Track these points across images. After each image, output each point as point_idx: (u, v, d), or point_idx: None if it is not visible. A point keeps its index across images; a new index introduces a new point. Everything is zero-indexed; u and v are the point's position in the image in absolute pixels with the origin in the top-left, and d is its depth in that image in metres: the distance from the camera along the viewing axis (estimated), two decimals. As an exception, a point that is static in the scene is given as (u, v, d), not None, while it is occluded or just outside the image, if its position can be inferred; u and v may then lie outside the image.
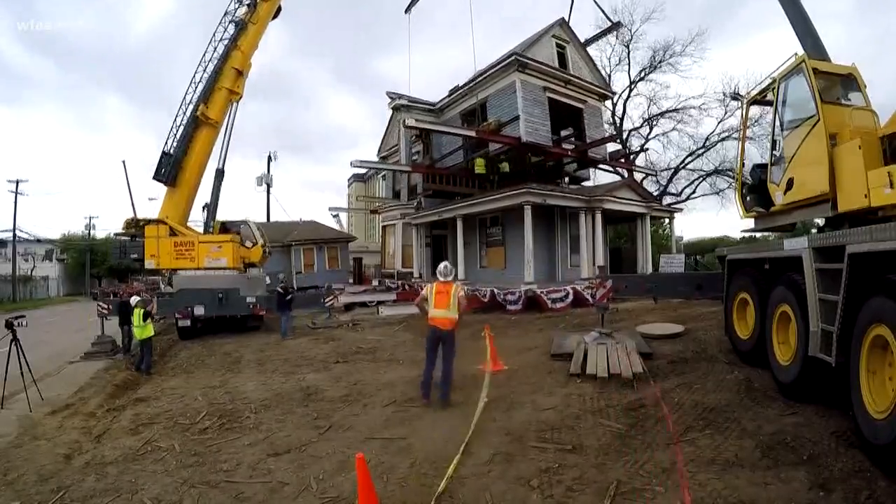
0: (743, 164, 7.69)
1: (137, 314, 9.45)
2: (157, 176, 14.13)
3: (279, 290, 13.49)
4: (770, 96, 6.52)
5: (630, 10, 33.14)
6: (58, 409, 6.99)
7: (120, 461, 4.97)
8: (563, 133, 20.23)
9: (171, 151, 14.11)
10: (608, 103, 27.43)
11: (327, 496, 3.98)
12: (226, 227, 15.14)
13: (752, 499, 3.37)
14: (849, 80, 5.54)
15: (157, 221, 13.96)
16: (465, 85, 20.02)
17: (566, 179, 22.13)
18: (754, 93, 7.04)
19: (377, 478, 4.06)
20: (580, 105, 19.68)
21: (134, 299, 10.53)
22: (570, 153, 19.14)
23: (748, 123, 8.14)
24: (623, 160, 23.64)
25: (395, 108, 20.18)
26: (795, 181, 5.60)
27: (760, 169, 6.79)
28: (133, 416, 6.49)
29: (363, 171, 43.74)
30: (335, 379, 7.93)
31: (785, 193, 5.81)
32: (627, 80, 28.53)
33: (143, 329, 9.38)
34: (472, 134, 17.12)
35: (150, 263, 13.96)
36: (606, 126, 27.56)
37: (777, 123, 6.09)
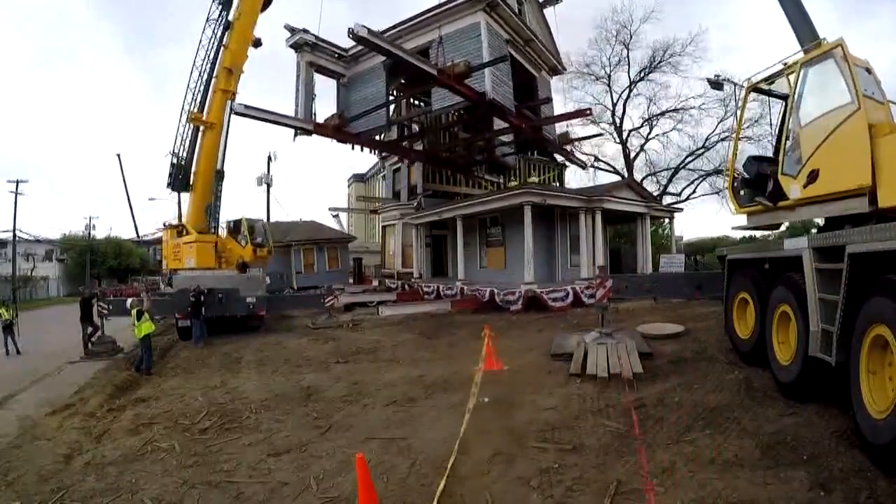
0: (736, 156, 7.16)
1: (133, 315, 9.54)
2: (169, 185, 14.83)
3: (191, 296, 12.13)
4: (778, 85, 6.19)
5: (629, 10, 33.05)
6: (58, 410, 6.99)
7: (120, 461, 4.97)
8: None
9: (179, 160, 14.61)
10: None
11: (327, 496, 3.98)
12: (235, 226, 15.57)
13: (752, 499, 3.37)
14: (868, 73, 5.25)
15: (177, 225, 14.93)
16: (398, 25, 15.21)
17: (483, 167, 19.66)
18: (759, 78, 6.49)
19: (377, 478, 4.06)
20: (534, 73, 17.15)
21: (130, 301, 10.68)
22: (526, 126, 16.15)
23: (743, 125, 7.59)
24: (572, 144, 20.99)
25: (296, 47, 15.31)
26: (822, 173, 5.08)
27: (758, 161, 6.40)
28: (133, 417, 6.49)
29: (364, 171, 43.45)
30: (335, 379, 7.93)
31: (805, 186, 5.30)
32: (627, 81, 28.51)
33: (139, 328, 9.42)
34: (434, 72, 12.52)
35: (164, 263, 15.43)
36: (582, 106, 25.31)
37: (793, 111, 5.62)
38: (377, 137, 16.58)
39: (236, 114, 13.33)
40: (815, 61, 5.38)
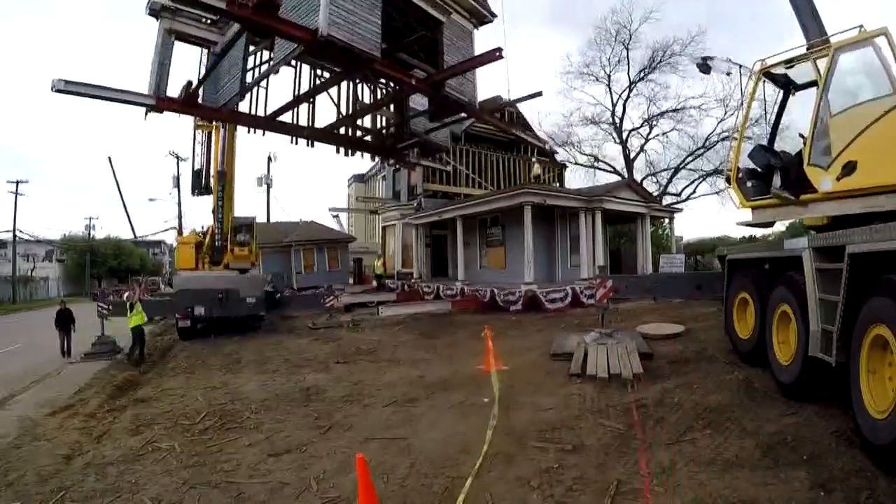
0: (741, 146, 6.71)
1: (127, 306, 10.82)
2: (194, 191, 15.70)
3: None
4: (795, 71, 5.96)
5: (629, 11, 32.89)
6: (58, 410, 7.00)
7: (120, 461, 4.97)
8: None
9: (199, 167, 15.35)
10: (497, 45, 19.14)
11: (328, 496, 3.98)
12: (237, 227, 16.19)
13: (752, 499, 3.37)
14: None
15: (206, 230, 15.53)
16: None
17: (416, 152, 14.11)
18: (775, 61, 6.04)
19: (377, 478, 4.06)
20: (439, 17, 11.52)
21: (126, 294, 12.24)
22: (413, 79, 11.19)
23: (745, 123, 7.08)
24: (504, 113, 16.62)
25: (154, 14, 11.88)
26: (861, 165, 4.79)
27: (767, 152, 6.11)
28: (133, 417, 6.49)
29: (364, 172, 43.23)
30: (336, 379, 7.93)
31: (839, 179, 5.00)
32: (627, 81, 28.42)
33: (130, 318, 10.45)
34: (222, 6, 8.03)
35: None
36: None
37: (822, 98, 5.30)
38: (240, 109, 12.05)
39: (57, 91, 10.12)
40: (852, 48, 5.18)
